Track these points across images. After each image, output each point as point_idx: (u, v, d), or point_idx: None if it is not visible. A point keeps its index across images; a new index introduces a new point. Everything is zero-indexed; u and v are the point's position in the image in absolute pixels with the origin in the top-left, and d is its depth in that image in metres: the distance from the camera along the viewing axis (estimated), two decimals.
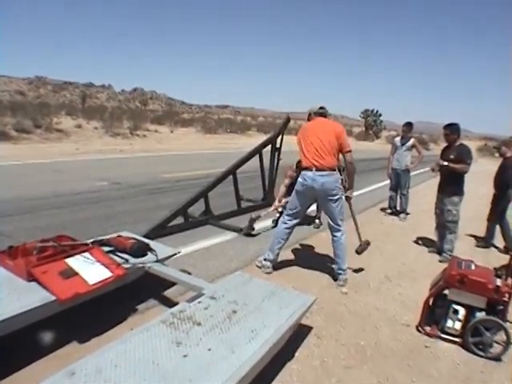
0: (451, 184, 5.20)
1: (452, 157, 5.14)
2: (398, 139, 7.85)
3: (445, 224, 5.31)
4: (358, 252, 4.66)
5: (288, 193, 5.55)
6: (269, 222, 6.24)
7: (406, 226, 7.28)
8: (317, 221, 6.37)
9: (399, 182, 7.78)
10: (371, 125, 54.35)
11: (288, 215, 4.42)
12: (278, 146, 6.84)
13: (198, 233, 5.60)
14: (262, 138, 7.40)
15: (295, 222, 4.43)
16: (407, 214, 7.84)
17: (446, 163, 5.13)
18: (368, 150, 28.42)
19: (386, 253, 5.52)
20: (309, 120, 4.47)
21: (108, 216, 6.14)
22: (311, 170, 4.05)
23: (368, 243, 4.77)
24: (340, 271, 4.32)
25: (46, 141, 16.98)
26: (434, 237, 5.88)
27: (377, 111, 55.37)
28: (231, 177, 6.40)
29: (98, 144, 17.67)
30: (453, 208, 5.19)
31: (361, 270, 4.74)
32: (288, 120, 7.04)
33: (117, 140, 20.10)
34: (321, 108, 4.43)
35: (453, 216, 5.20)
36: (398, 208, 7.97)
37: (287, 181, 6.07)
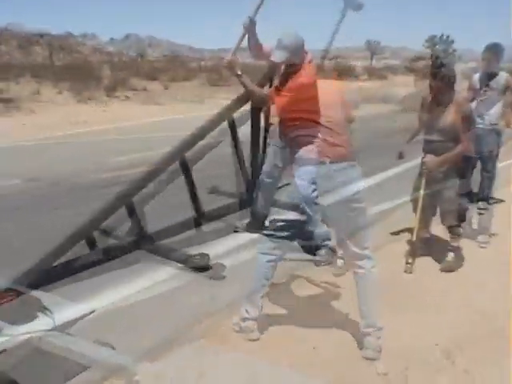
0: None
1: None
2: (476, 76, 6.09)
3: None
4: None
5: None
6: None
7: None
8: (340, 261, 4.47)
9: (481, 148, 5.94)
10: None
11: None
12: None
13: (120, 269, 4.39)
14: None
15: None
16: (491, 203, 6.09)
17: None
18: None
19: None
20: None
21: None
22: None
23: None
24: (369, 329, 3.45)
25: None
26: None
27: (447, 37, 54.52)
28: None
29: (57, 115, 17.77)
30: None
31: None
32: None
33: (87, 106, 20.38)
34: None
35: None
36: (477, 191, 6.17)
37: None
